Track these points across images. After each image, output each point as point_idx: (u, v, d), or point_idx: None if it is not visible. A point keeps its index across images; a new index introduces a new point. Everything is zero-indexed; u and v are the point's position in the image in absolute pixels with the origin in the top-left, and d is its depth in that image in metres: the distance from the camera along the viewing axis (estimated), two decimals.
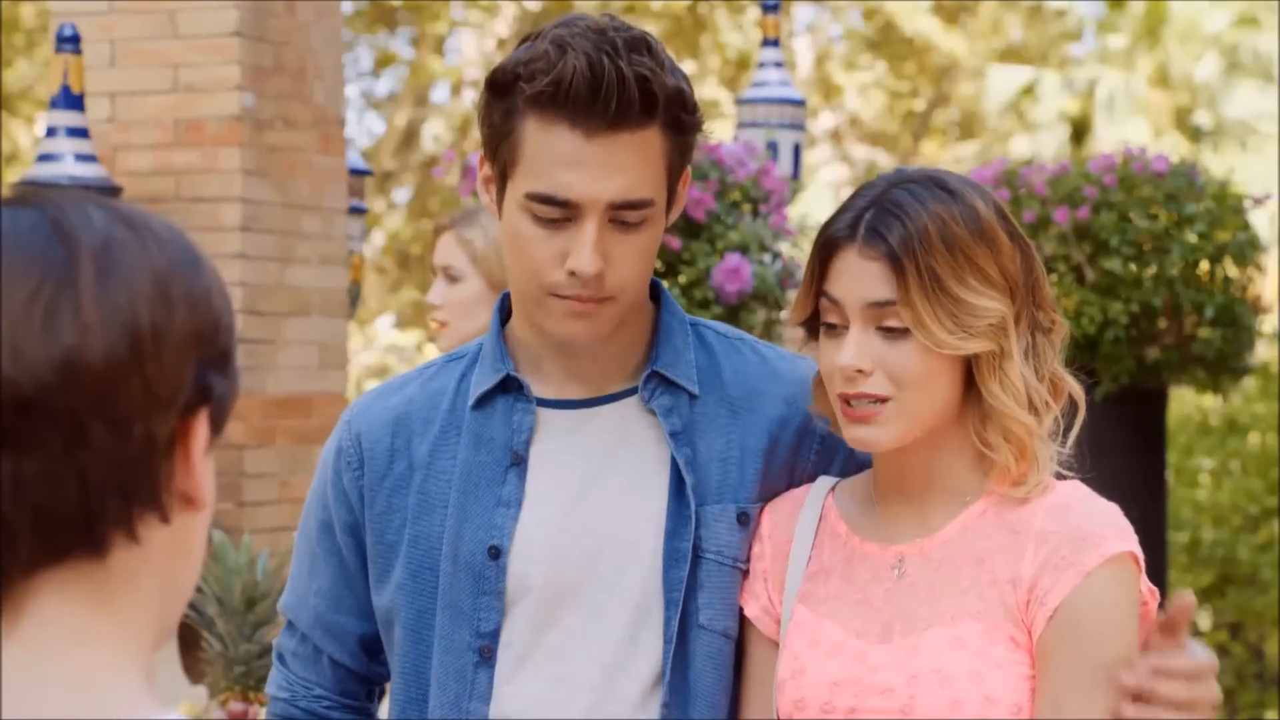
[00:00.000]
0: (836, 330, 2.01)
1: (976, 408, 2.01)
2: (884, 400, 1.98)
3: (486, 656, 2.10)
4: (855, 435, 2.01)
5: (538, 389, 2.14)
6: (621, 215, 2.01)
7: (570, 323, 2.05)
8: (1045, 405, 2.01)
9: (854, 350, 1.98)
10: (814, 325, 2.06)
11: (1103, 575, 1.93)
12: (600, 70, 1.97)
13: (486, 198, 2.11)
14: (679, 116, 2.03)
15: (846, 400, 2.00)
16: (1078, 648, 1.92)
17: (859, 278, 1.98)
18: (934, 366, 1.98)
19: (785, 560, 2.10)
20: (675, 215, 2.13)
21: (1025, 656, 1.95)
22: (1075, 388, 2.05)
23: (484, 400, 2.15)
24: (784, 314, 2.07)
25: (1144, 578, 1.98)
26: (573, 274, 2.01)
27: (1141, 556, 1.97)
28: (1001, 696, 1.94)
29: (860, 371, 1.98)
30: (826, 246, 2.01)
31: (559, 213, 2.01)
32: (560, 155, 2.00)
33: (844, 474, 2.15)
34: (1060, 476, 2.04)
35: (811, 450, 2.16)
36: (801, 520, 2.10)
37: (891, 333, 1.98)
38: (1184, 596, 1.93)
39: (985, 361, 1.98)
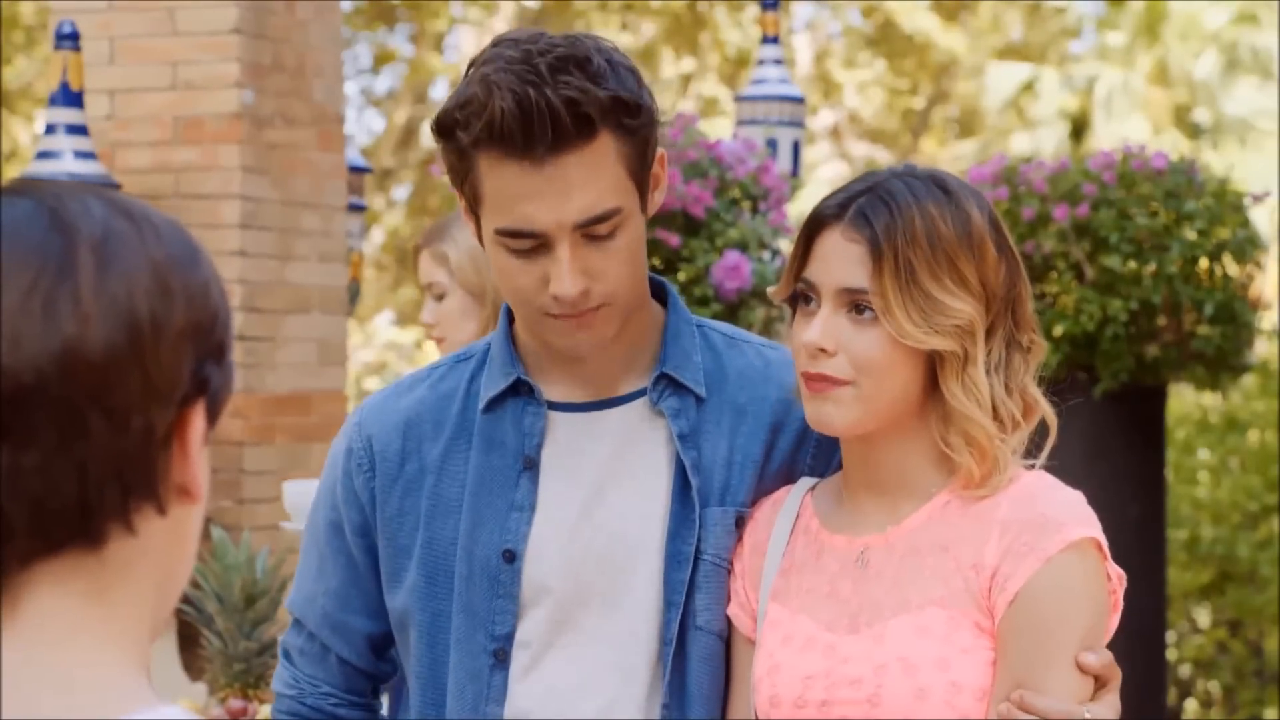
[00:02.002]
0: (810, 306, 2.03)
1: (940, 407, 2.02)
2: (844, 384, 2.00)
3: (501, 659, 2.12)
4: (814, 412, 2.03)
5: (547, 392, 2.15)
6: (592, 230, 2.02)
7: (573, 336, 2.07)
8: (1014, 421, 2.02)
9: (820, 329, 2.00)
10: (796, 303, 2.08)
11: (1063, 560, 1.95)
12: (528, 103, 1.96)
13: (472, 228, 2.12)
14: (622, 122, 2.02)
15: (808, 378, 2.01)
16: (1037, 631, 1.94)
17: (837, 259, 2.01)
18: (896, 357, 1.99)
19: (761, 558, 2.11)
20: (659, 198, 2.13)
21: (989, 642, 1.97)
22: (1048, 410, 2.06)
23: (494, 403, 2.16)
24: (770, 290, 2.09)
25: (1110, 563, 2.00)
26: (559, 298, 2.02)
27: (1104, 542, 1.99)
28: (967, 682, 1.95)
29: (823, 350, 2.00)
30: (813, 223, 2.04)
31: (529, 243, 2.02)
32: (515, 190, 2.00)
33: (837, 474, 2.15)
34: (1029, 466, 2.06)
35: (809, 454, 2.17)
36: (779, 519, 2.11)
37: (861, 317, 2.00)
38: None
39: (949, 362, 2.00)
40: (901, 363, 2.00)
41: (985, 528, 1.99)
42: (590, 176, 2.00)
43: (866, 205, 2.00)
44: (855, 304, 2.00)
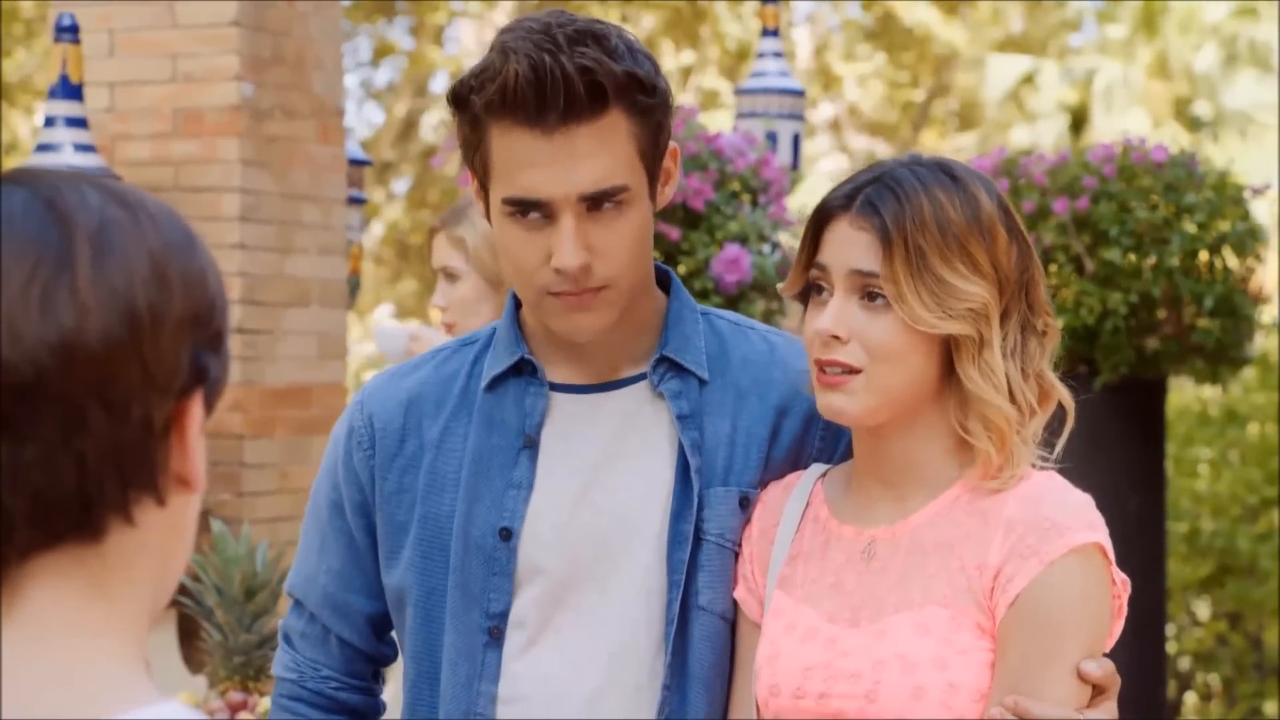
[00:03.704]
0: (822, 296, 2.03)
1: (957, 394, 2.02)
2: (856, 371, 1.99)
3: (496, 637, 2.12)
4: (825, 403, 2.02)
5: (550, 373, 2.16)
6: (597, 204, 2.03)
7: (571, 318, 2.07)
8: (1030, 408, 2.02)
9: (833, 316, 2.00)
10: (808, 298, 2.07)
11: (1066, 565, 1.94)
12: (543, 69, 1.98)
13: (482, 206, 2.14)
14: (635, 99, 2.04)
15: (821, 367, 2.01)
16: (1037, 634, 1.93)
17: (847, 246, 2.00)
18: (910, 344, 1.99)
19: (771, 544, 2.11)
20: (669, 193, 2.14)
21: (989, 643, 1.96)
22: (1065, 394, 2.05)
23: (497, 382, 2.17)
24: (780, 286, 2.09)
25: (1115, 569, 1.99)
26: (560, 271, 2.03)
27: (1110, 548, 1.98)
28: (964, 683, 1.95)
29: (836, 338, 1.99)
30: (821, 214, 2.04)
31: (535, 214, 2.03)
32: (523, 157, 2.02)
33: (846, 460, 2.15)
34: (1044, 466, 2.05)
35: (817, 436, 2.17)
36: (789, 505, 2.11)
37: (873, 304, 1.99)
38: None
39: (965, 347, 1.99)
40: (915, 349, 1.99)
41: (990, 527, 1.98)
42: (599, 149, 2.02)
43: (874, 194, 2.00)
44: (867, 291, 1.99)
